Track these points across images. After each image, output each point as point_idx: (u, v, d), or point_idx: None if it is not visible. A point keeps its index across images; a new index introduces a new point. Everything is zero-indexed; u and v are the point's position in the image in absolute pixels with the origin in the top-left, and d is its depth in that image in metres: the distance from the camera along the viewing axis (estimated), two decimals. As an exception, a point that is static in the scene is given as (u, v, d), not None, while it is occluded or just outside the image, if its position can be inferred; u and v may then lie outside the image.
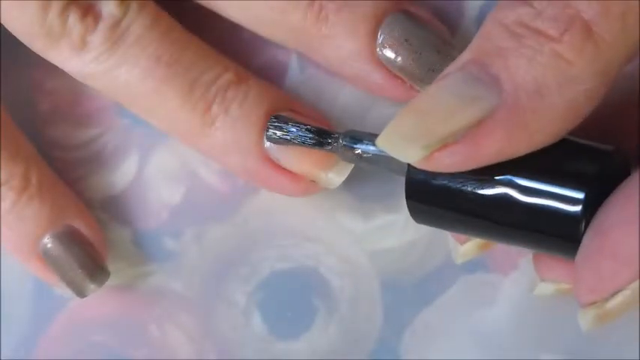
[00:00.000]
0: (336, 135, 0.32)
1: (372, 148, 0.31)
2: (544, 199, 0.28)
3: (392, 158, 0.29)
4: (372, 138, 0.31)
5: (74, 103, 0.36)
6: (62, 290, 0.35)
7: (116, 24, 0.33)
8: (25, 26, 0.33)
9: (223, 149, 0.33)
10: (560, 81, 0.27)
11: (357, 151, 0.32)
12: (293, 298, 0.36)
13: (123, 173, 0.37)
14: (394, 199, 0.36)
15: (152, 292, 0.37)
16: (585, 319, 0.29)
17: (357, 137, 0.32)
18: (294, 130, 0.33)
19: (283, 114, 0.33)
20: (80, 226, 0.35)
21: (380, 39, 0.33)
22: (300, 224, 0.36)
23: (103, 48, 0.33)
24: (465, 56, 0.28)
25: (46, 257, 0.34)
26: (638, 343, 0.35)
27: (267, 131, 0.33)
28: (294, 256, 0.36)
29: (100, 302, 0.37)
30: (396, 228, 0.36)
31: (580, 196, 0.28)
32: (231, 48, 0.35)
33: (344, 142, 0.32)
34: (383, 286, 0.36)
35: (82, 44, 0.33)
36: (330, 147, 0.33)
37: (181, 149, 0.37)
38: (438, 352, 0.36)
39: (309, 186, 0.34)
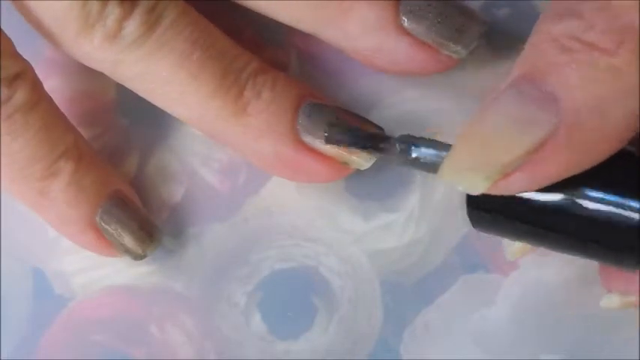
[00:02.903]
0: (392, 139, 0.32)
1: (428, 153, 0.31)
2: (606, 211, 0.28)
3: None
4: (428, 143, 0.31)
5: (74, 103, 0.36)
6: (120, 256, 0.35)
7: (152, 8, 0.32)
8: (62, 10, 0.32)
9: (256, 135, 0.33)
10: (619, 95, 0.27)
11: (413, 156, 0.31)
12: (293, 298, 0.36)
13: (123, 173, 0.37)
14: (394, 199, 0.36)
15: (152, 292, 0.37)
16: None
17: (413, 142, 0.31)
18: (350, 135, 0.33)
19: (339, 119, 0.33)
20: (125, 189, 0.35)
21: (403, 5, 0.33)
22: (300, 224, 0.36)
23: (140, 32, 0.32)
24: (516, 71, 0.28)
25: (104, 224, 0.34)
26: (638, 343, 0.35)
27: (325, 134, 0.33)
28: (294, 256, 0.36)
29: (100, 302, 0.37)
30: (396, 228, 0.36)
31: None
32: (231, 48, 0.35)
33: (400, 147, 0.31)
34: (383, 286, 0.36)
35: (118, 29, 0.32)
36: (384, 151, 0.32)
37: (181, 149, 0.37)
38: (438, 352, 0.36)
39: (340, 169, 0.34)
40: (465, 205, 0.31)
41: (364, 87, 0.36)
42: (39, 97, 0.33)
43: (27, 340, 0.37)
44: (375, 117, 0.35)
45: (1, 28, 0.33)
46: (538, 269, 0.35)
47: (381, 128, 0.34)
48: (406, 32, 0.33)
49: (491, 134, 0.28)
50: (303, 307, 0.36)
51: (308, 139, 0.33)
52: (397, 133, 0.32)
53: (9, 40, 0.33)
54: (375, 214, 0.36)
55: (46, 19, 0.33)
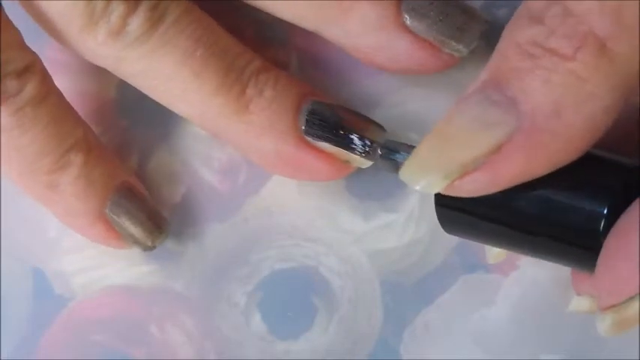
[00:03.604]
0: (374, 144, 0.33)
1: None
2: (567, 212, 0.29)
3: None
4: (409, 149, 0.31)
5: (74, 103, 0.36)
6: (129, 247, 0.35)
7: (156, 5, 0.32)
8: (66, 6, 0.32)
9: (257, 132, 0.33)
10: (577, 100, 0.27)
11: (393, 162, 0.32)
12: (293, 298, 0.36)
13: (123, 173, 0.37)
14: (394, 199, 0.36)
15: (152, 292, 0.37)
16: (603, 324, 0.29)
17: (394, 148, 0.32)
18: (333, 132, 0.33)
19: (321, 109, 0.33)
20: (133, 181, 0.35)
21: (405, 4, 0.33)
22: (300, 224, 0.36)
23: (143, 29, 0.32)
24: (482, 76, 0.29)
25: (113, 216, 0.34)
26: (638, 343, 0.35)
27: (305, 127, 0.33)
28: (294, 256, 0.36)
29: (99, 302, 0.37)
30: (396, 228, 0.36)
31: (602, 210, 0.28)
32: (231, 48, 0.35)
33: (381, 153, 0.32)
34: (383, 286, 0.36)
35: (122, 26, 0.32)
36: (365, 154, 0.33)
37: (181, 149, 0.37)
38: (438, 352, 0.36)
39: (341, 167, 0.34)
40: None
41: (365, 87, 0.36)
42: (48, 89, 0.33)
43: (27, 340, 0.37)
44: (376, 116, 0.35)
45: (10, 20, 0.33)
46: (538, 269, 0.35)
47: (382, 127, 0.34)
48: (407, 30, 0.33)
49: (452, 134, 0.28)
50: (303, 307, 0.36)
51: (309, 137, 0.33)
52: (398, 133, 0.32)
53: (18, 31, 0.33)
54: (375, 214, 0.36)
55: (51, 15, 0.33)
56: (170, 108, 0.34)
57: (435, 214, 0.34)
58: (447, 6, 0.33)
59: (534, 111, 0.27)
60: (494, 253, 0.33)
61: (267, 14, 0.34)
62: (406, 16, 0.33)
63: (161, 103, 0.34)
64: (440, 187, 0.29)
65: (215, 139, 0.36)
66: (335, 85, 0.36)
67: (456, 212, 0.30)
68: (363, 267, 0.36)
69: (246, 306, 0.36)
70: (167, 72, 0.33)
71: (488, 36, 0.35)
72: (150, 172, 0.37)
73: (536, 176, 0.28)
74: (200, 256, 0.36)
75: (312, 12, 0.33)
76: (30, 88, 0.32)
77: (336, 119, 0.33)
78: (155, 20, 0.32)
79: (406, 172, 0.29)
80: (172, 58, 0.33)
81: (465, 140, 0.28)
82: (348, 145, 0.33)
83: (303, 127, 0.33)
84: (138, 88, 0.34)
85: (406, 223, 0.36)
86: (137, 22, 0.32)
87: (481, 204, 0.29)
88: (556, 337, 0.35)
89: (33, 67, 0.33)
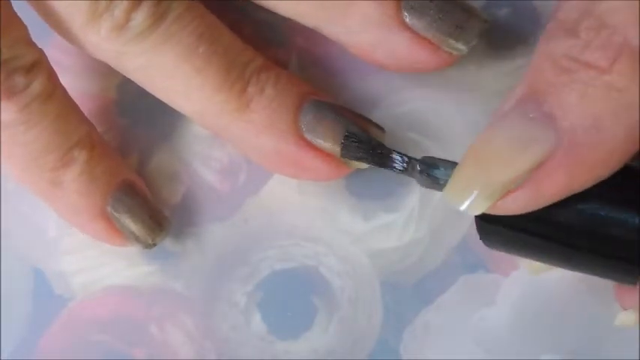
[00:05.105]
0: (412, 160, 0.32)
1: (448, 174, 0.31)
2: (608, 225, 0.29)
3: None
4: (447, 164, 0.31)
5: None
6: (130, 245, 0.35)
7: (159, 1, 0.32)
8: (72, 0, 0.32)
9: (258, 131, 0.33)
10: (616, 112, 0.27)
11: (433, 177, 0.31)
12: (293, 298, 0.36)
13: (123, 173, 0.37)
14: (394, 199, 0.36)
15: (152, 292, 0.37)
16: None
17: (433, 164, 0.31)
18: (370, 151, 0.33)
19: (356, 131, 0.33)
20: (135, 178, 0.35)
21: (405, 2, 0.33)
22: (300, 224, 0.36)
23: (147, 24, 0.32)
24: (519, 92, 0.29)
25: (114, 213, 0.34)
26: (638, 343, 0.35)
27: (342, 149, 0.33)
28: (294, 256, 0.36)
29: (100, 302, 0.37)
30: (396, 228, 0.36)
31: None
32: (232, 48, 0.35)
33: (420, 169, 0.32)
34: (383, 286, 0.36)
35: (125, 20, 0.32)
36: (404, 171, 0.32)
37: (181, 149, 0.37)
38: (437, 352, 0.36)
39: (341, 167, 0.34)
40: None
41: (365, 86, 0.36)
42: (54, 86, 0.33)
43: (27, 340, 0.37)
44: (376, 116, 0.35)
45: (18, 16, 0.33)
46: (538, 269, 0.35)
47: (381, 128, 0.34)
48: (407, 27, 0.33)
49: (492, 154, 0.28)
50: (303, 307, 0.36)
51: (309, 136, 0.33)
52: (397, 133, 0.32)
53: (25, 27, 0.33)
54: (375, 214, 0.36)
55: (55, 9, 0.33)
56: (170, 104, 0.34)
57: (434, 214, 0.34)
58: (446, 4, 0.33)
59: (573, 126, 0.27)
60: (535, 266, 0.33)
61: (268, 13, 0.34)
62: (406, 13, 0.33)
63: (161, 99, 0.34)
64: (483, 207, 0.29)
65: (215, 139, 0.36)
66: (335, 85, 0.36)
67: (496, 227, 0.30)
68: (363, 267, 0.36)
69: (246, 306, 0.36)
70: (169, 67, 0.33)
71: (489, 35, 0.35)
72: (150, 171, 0.37)
73: (577, 191, 0.28)
74: (200, 256, 0.36)
75: (312, 9, 0.33)
76: (37, 85, 0.33)
77: (372, 139, 0.33)
78: (158, 16, 0.32)
79: (449, 195, 0.30)
80: (174, 53, 0.33)
81: (505, 160, 0.28)
82: (387, 164, 0.33)
83: (341, 150, 0.33)
84: (138, 83, 0.34)
85: (406, 223, 0.36)
86: (141, 16, 0.32)
87: (522, 219, 0.29)
88: (556, 337, 0.35)
89: (40, 63, 0.33)
